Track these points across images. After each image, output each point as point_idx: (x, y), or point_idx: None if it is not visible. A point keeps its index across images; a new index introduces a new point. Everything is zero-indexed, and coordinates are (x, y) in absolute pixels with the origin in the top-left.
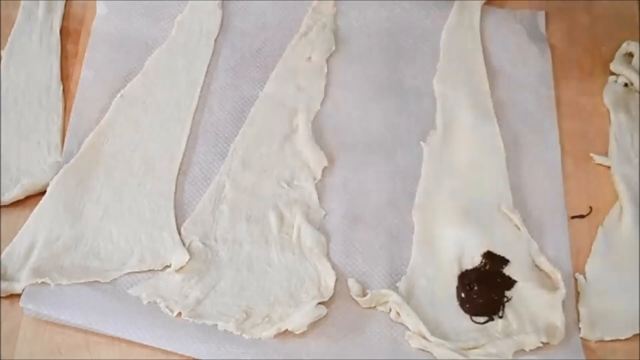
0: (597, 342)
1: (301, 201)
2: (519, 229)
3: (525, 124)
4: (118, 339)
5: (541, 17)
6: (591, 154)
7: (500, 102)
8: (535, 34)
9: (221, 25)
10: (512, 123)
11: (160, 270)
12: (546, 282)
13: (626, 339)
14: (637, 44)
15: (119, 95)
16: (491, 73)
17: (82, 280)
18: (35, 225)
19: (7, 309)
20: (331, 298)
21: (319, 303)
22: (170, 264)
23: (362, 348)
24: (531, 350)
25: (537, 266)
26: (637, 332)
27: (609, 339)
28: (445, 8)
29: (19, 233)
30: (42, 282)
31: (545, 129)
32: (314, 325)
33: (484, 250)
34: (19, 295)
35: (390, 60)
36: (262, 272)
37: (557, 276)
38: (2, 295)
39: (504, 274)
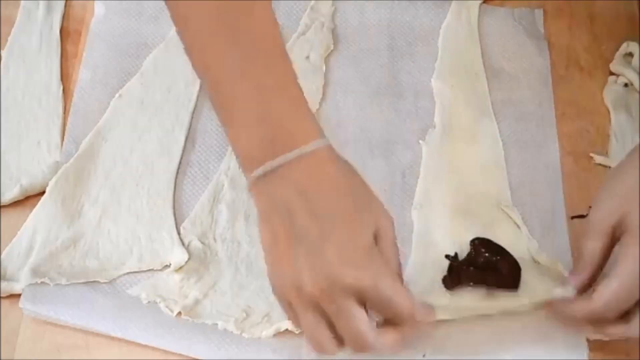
0: (596, 341)
1: None
2: (518, 227)
3: (524, 122)
4: (118, 339)
5: (539, 15)
6: (591, 154)
7: (499, 100)
8: (534, 32)
9: None
10: (511, 121)
11: (160, 270)
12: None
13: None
14: (637, 44)
15: (117, 95)
16: (490, 71)
17: (82, 281)
18: (34, 225)
19: (7, 309)
20: None
21: None
22: (170, 264)
23: None
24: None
25: (537, 263)
26: None
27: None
28: (443, 7)
29: (18, 233)
30: (42, 282)
31: (544, 128)
32: None
33: None
34: (19, 295)
35: (389, 59)
36: (261, 271)
37: (559, 266)
38: (2, 295)
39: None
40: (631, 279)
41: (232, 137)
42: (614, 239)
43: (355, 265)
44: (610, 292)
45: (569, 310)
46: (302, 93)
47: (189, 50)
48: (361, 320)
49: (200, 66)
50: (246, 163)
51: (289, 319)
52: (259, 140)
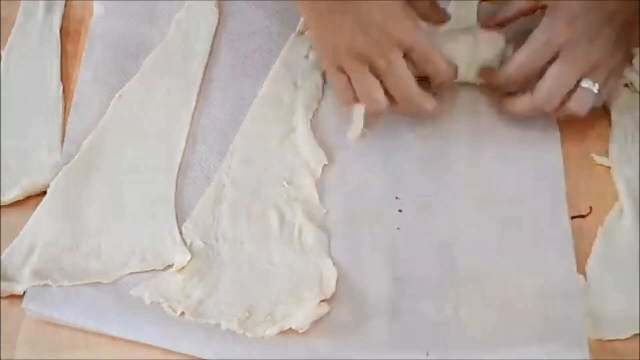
0: (596, 341)
1: (301, 199)
2: None
3: (524, 119)
4: (118, 338)
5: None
6: (591, 155)
7: (498, 97)
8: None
9: (218, 24)
10: (511, 119)
11: (162, 270)
12: None
13: (626, 339)
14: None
15: (117, 95)
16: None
17: (84, 282)
18: (36, 226)
19: (7, 309)
20: (333, 295)
21: (322, 301)
22: (172, 264)
23: (365, 345)
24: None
25: None
26: (637, 332)
27: (609, 338)
28: (441, 5)
29: (19, 234)
30: (44, 284)
31: (544, 126)
32: (316, 322)
33: None
34: (19, 295)
35: None
36: (264, 270)
37: None
38: (2, 295)
39: None
40: (540, 41)
41: None
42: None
43: (400, 20)
44: (522, 54)
45: (493, 77)
46: None
47: None
48: (408, 75)
49: None
50: None
51: (339, 91)
52: None
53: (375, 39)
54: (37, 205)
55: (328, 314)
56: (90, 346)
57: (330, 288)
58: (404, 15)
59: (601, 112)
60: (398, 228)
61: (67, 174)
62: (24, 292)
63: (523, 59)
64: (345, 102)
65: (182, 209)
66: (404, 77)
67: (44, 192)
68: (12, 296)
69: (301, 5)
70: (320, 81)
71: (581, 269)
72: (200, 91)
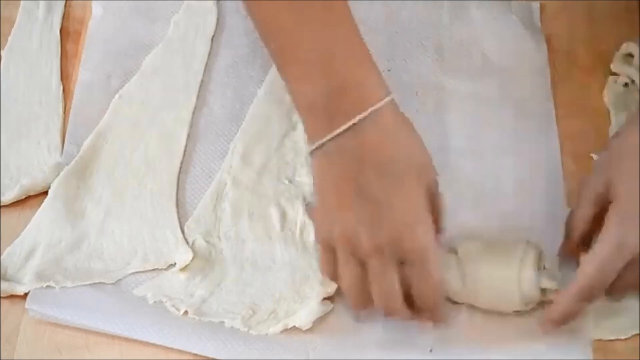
0: (596, 341)
1: (303, 197)
2: None
3: (523, 117)
4: (118, 338)
5: (536, 8)
6: (591, 154)
7: (498, 94)
8: (530, 25)
9: (217, 24)
10: (510, 115)
11: (165, 270)
12: None
13: (626, 339)
14: (637, 45)
15: (117, 96)
16: (488, 65)
17: (87, 282)
18: (37, 228)
19: (7, 309)
20: (336, 293)
21: (325, 298)
22: (175, 263)
23: (369, 343)
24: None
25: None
26: (637, 332)
27: (609, 338)
28: (440, 1)
29: (20, 235)
30: (47, 286)
31: (544, 123)
32: (320, 320)
33: None
34: (19, 295)
35: (387, 55)
36: (266, 268)
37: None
38: (2, 295)
39: None
40: (611, 248)
41: (294, 90)
42: (603, 207)
43: (414, 229)
44: (592, 264)
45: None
46: (365, 43)
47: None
48: (396, 285)
49: (259, 18)
50: (311, 116)
51: (322, 264)
52: (326, 94)
53: (383, 240)
54: (37, 205)
55: (331, 311)
56: (90, 346)
57: (333, 285)
58: (421, 226)
59: (601, 112)
60: None
61: (68, 174)
62: (25, 293)
63: (592, 271)
64: (323, 272)
65: (183, 208)
66: (392, 283)
67: (44, 192)
68: (12, 296)
69: (326, 169)
70: None
71: None
72: (200, 90)
